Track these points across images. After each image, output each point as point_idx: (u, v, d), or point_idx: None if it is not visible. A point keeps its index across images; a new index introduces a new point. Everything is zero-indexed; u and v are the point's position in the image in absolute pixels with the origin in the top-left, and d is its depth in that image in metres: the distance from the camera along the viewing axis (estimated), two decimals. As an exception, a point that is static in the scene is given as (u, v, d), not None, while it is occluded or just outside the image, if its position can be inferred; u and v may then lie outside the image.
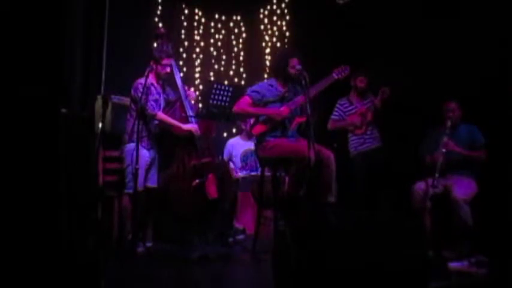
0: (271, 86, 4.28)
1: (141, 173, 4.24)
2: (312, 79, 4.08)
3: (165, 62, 4.36)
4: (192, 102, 4.71)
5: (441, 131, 4.60)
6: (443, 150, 4.42)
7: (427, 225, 4.35)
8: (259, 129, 4.24)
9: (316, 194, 3.86)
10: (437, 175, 4.32)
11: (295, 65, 4.09)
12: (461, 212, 4.19)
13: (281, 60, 4.27)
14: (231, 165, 5.56)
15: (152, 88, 4.30)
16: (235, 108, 4.30)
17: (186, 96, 4.55)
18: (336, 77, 4.25)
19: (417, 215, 4.38)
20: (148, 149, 4.36)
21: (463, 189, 4.33)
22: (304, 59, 4.18)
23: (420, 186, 4.46)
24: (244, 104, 4.23)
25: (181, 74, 4.80)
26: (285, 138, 4.15)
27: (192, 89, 5.85)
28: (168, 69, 4.42)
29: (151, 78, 4.29)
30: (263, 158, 4.19)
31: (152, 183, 4.40)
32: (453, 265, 3.68)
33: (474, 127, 4.62)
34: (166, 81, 4.55)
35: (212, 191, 4.45)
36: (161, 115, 4.37)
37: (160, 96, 4.43)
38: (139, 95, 4.13)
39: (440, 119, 4.68)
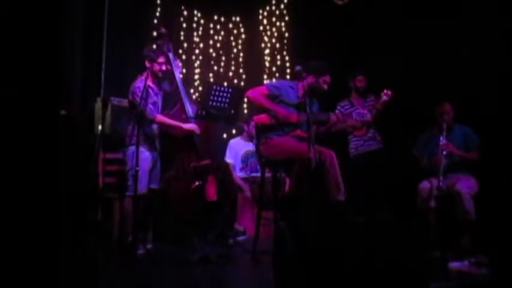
0: (292, 88, 4.25)
1: (145, 175, 4.25)
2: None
3: (161, 60, 4.38)
4: (180, 74, 4.69)
5: (435, 133, 4.66)
6: (444, 152, 4.45)
7: (432, 225, 4.37)
8: (261, 119, 4.23)
9: (324, 194, 3.86)
10: (441, 178, 4.35)
11: (326, 81, 4.15)
12: (466, 204, 4.25)
13: (323, 68, 4.22)
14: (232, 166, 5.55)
15: (150, 90, 4.30)
16: (249, 94, 4.28)
17: (186, 97, 4.56)
18: (354, 117, 4.28)
19: (421, 214, 4.41)
20: (149, 151, 4.36)
21: (466, 183, 4.40)
22: (303, 60, 4.19)
23: (425, 185, 4.50)
24: (259, 92, 4.21)
25: (181, 75, 4.79)
26: (289, 136, 4.13)
27: (192, 90, 5.87)
28: (164, 67, 4.43)
29: (148, 80, 4.28)
30: (265, 156, 4.17)
31: (154, 185, 4.41)
32: (453, 265, 3.68)
33: (468, 128, 4.66)
34: (163, 79, 4.55)
35: (212, 193, 4.46)
36: (160, 118, 4.37)
37: (158, 97, 4.44)
38: (138, 99, 4.13)
39: (432, 120, 4.72)
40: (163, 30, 4.72)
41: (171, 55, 4.60)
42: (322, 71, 4.17)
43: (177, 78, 4.60)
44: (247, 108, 6.03)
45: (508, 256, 3.56)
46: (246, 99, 5.36)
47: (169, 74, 4.59)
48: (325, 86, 4.17)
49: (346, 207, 3.90)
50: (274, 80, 6.16)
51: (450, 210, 4.36)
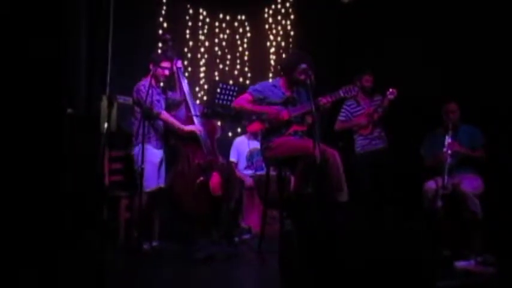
0: (275, 86, 4.24)
1: (155, 173, 4.28)
2: (316, 79, 4.07)
3: (163, 64, 4.38)
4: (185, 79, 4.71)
5: (441, 133, 4.65)
6: (449, 151, 4.45)
7: (439, 224, 4.37)
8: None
9: (325, 194, 3.84)
10: (446, 177, 4.35)
11: (301, 68, 4.02)
12: (471, 204, 4.25)
13: (291, 63, 4.17)
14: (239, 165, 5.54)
15: (153, 90, 4.31)
16: (234, 104, 4.28)
17: (191, 98, 4.59)
18: (342, 95, 4.16)
19: (428, 214, 4.40)
20: (157, 149, 4.38)
21: (471, 184, 4.40)
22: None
23: (431, 185, 4.49)
24: (243, 100, 4.21)
25: (186, 74, 4.80)
26: (290, 136, 4.13)
27: (197, 89, 5.87)
28: (167, 72, 4.43)
29: (151, 80, 4.30)
30: (269, 158, 4.17)
31: (161, 182, 4.43)
32: (460, 264, 3.67)
33: (475, 128, 4.66)
34: (167, 83, 4.57)
35: (216, 187, 4.48)
36: (165, 114, 4.41)
37: (160, 96, 4.45)
38: (143, 96, 4.15)
39: (439, 120, 4.71)
40: (167, 36, 4.73)
41: (175, 60, 4.61)
42: (295, 62, 4.09)
43: (183, 83, 4.61)
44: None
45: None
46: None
47: (174, 80, 4.61)
48: (302, 75, 4.00)
49: (342, 209, 3.86)
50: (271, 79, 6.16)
51: (457, 210, 4.35)
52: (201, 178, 4.43)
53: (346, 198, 3.87)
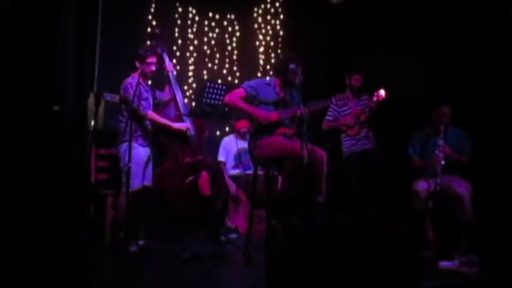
0: (269, 85, 4.23)
1: (139, 171, 4.24)
2: (306, 78, 4.09)
3: (149, 60, 4.33)
4: (174, 73, 4.70)
5: (431, 133, 4.69)
6: (441, 154, 4.49)
7: (429, 225, 4.42)
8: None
9: (307, 194, 3.86)
10: (438, 180, 4.39)
11: (292, 70, 4.03)
12: (466, 204, 4.31)
13: (282, 63, 4.19)
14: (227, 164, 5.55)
15: (141, 87, 4.29)
16: (226, 98, 4.24)
17: (181, 95, 4.57)
18: (334, 102, 4.17)
19: (417, 214, 4.44)
20: (144, 147, 4.35)
21: (464, 184, 4.45)
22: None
23: (422, 186, 4.51)
24: (236, 95, 4.16)
25: (175, 73, 4.79)
26: (279, 136, 4.13)
27: (186, 87, 5.86)
28: (153, 68, 4.39)
29: (139, 77, 4.28)
30: (257, 157, 4.17)
31: (147, 181, 4.39)
32: (444, 264, 3.70)
33: (463, 132, 4.70)
34: (157, 81, 4.56)
35: (205, 187, 4.47)
36: (152, 114, 4.37)
37: (148, 93, 4.43)
38: (131, 95, 4.11)
39: (427, 119, 4.74)
40: (157, 31, 4.72)
41: (165, 56, 4.60)
42: (286, 63, 4.10)
43: (172, 78, 4.60)
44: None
45: (500, 256, 3.59)
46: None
47: (163, 75, 4.60)
48: (294, 76, 4.02)
49: (321, 210, 3.89)
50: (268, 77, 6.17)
51: (447, 211, 4.40)
52: (191, 177, 4.42)
53: (323, 200, 3.89)
